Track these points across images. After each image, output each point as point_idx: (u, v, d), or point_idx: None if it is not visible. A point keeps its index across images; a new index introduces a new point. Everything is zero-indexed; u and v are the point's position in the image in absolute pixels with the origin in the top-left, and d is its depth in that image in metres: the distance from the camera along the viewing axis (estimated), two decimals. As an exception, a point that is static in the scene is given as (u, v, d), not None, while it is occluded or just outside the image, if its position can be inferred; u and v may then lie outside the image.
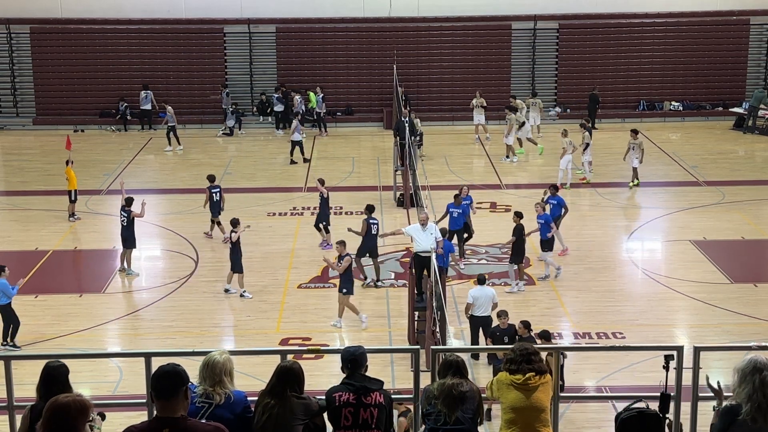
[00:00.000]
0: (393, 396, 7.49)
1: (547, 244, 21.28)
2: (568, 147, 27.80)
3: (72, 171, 25.85)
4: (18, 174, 31.33)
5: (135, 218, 22.03)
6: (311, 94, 36.18)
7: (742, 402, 6.67)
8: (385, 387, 7.30)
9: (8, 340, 18.21)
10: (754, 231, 24.77)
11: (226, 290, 20.79)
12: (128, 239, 21.98)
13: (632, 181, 28.25)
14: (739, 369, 6.73)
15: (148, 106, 36.26)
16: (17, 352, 17.65)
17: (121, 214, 22.17)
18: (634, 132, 28.49)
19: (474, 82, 37.32)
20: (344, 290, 19.04)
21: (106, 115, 37.16)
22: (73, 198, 25.78)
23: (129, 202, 22.11)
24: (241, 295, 20.61)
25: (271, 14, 37.25)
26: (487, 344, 16.56)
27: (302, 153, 31.70)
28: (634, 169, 28.13)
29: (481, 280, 18.04)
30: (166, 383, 5.85)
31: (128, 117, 36.75)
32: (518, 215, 21.02)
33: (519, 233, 20.71)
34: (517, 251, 20.77)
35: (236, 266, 20.63)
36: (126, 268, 22.01)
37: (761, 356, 6.77)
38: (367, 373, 7.26)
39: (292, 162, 31.56)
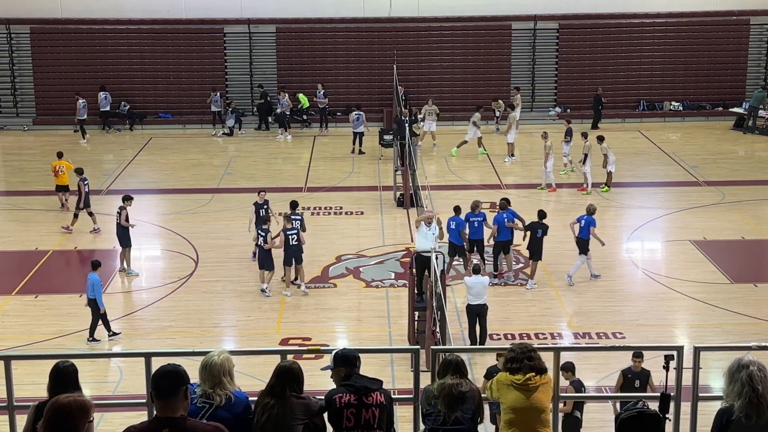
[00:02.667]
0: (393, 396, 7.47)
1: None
2: (549, 150, 27.80)
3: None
4: (18, 174, 31.32)
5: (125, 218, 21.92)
6: (301, 95, 36.22)
7: (734, 401, 6.66)
8: (385, 387, 7.29)
9: (109, 333, 18.50)
10: (754, 231, 24.77)
11: (263, 290, 20.82)
12: (123, 238, 21.95)
13: (604, 186, 27.99)
14: (726, 370, 6.74)
15: (107, 108, 36.35)
16: (97, 346, 18.20)
17: (117, 213, 22.16)
18: (600, 138, 28.08)
19: (474, 82, 37.38)
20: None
21: (111, 115, 37.11)
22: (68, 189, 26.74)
23: (124, 200, 22.15)
24: (262, 291, 20.77)
25: (271, 14, 37.26)
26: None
27: (356, 144, 32.73)
28: (609, 174, 27.99)
29: (476, 269, 18.46)
30: (166, 383, 5.85)
31: (134, 118, 36.84)
32: (540, 215, 21.23)
33: (533, 231, 20.97)
34: (535, 249, 21.04)
35: (267, 264, 20.78)
36: (126, 268, 21.98)
37: (749, 355, 6.77)
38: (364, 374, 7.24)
39: (360, 152, 32.65)
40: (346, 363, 7.21)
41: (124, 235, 21.95)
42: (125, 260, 22.04)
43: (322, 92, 36.06)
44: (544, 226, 21.09)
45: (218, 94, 36.24)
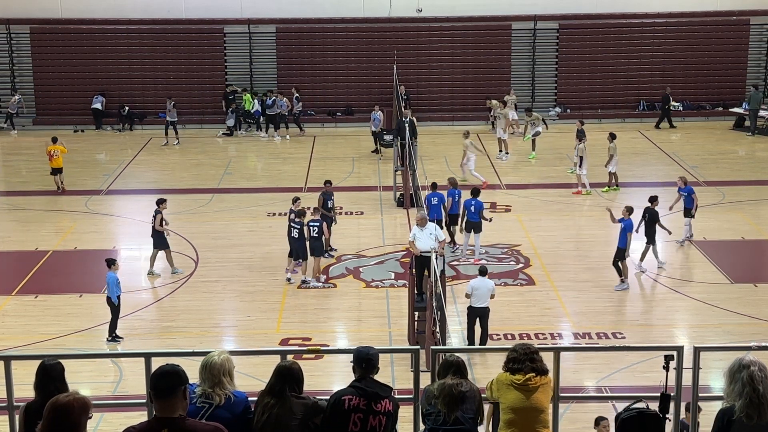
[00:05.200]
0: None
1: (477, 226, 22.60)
2: (470, 148, 28.03)
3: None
4: (18, 174, 31.31)
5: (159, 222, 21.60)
6: (246, 96, 36.12)
7: (734, 402, 6.65)
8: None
9: (115, 333, 18.47)
10: (754, 231, 24.78)
11: (304, 281, 21.25)
12: (157, 240, 21.77)
13: (608, 186, 28.03)
14: (727, 370, 6.73)
15: (98, 106, 36.45)
16: (117, 345, 18.24)
17: (152, 216, 21.98)
18: (612, 136, 28.15)
19: (474, 82, 37.37)
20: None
21: (106, 115, 37.14)
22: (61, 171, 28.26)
23: (158, 203, 21.89)
24: (304, 282, 21.20)
25: (271, 14, 37.26)
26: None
27: (376, 143, 32.77)
28: (611, 174, 28.02)
29: (482, 272, 18.36)
30: (164, 383, 5.86)
31: (133, 119, 36.84)
32: (651, 200, 22.14)
33: (652, 216, 21.77)
34: (652, 234, 21.81)
35: (302, 254, 21.15)
36: (152, 270, 21.74)
37: (749, 355, 6.76)
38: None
39: (376, 150, 32.84)
40: (362, 363, 7.16)
41: (158, 237, 21.71)
42: (156, 261, 21.81)
43: (296, 96, 35.70)
44: (651, 211, 21.92)
45: (173, 102, 34.74)
